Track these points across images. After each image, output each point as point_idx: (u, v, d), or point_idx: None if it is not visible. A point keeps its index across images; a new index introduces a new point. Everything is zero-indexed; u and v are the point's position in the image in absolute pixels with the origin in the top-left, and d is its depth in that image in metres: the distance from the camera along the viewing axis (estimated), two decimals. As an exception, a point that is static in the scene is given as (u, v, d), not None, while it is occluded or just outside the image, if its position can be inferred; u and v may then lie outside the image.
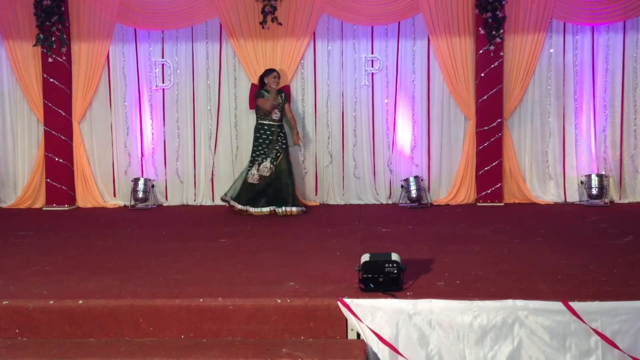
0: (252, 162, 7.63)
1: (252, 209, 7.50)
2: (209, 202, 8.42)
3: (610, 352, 3.96)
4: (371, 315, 4.05)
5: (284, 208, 7.49)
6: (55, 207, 8.26)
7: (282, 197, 7.55)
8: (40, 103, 8.29)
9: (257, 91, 7.74)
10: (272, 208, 7.50)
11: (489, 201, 8.04)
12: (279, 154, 7.60)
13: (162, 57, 8.39)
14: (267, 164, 7.52)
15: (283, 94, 7.76)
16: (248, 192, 7.57)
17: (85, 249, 5.85)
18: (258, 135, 7.64)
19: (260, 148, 7.61)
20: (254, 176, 7.53)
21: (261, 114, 7.65)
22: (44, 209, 8.30)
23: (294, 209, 7.50)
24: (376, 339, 4.02)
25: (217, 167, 8.43)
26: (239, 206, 7.55)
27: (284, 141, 7.69)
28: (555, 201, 8.16)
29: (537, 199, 8.13)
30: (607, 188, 7.97)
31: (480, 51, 7.95)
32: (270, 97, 7.59)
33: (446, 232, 6.46)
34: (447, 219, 7.26)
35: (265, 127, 7.61)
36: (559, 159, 8.24)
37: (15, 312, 4.15)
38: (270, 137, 7.60)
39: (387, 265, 4.26)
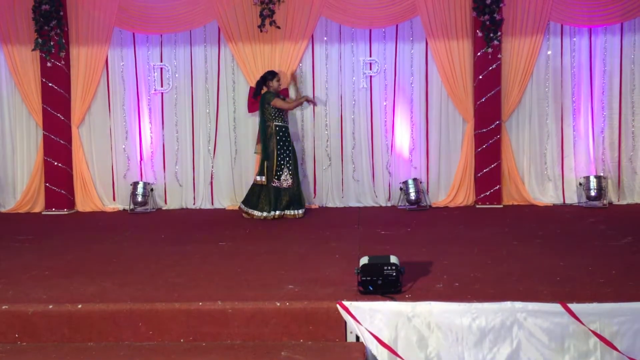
0: (280, 166, 7.47)
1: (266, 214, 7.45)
2: (208, 206, 8.43)
3: (609, 353, 3.96)
4: (370, 318, 4.05)
5: (297, 211, 7.53)
6: (54, 211, 8.27)
7: (295, 201, 7.56)
8: (39, 107, 8.30)
9: (268, 94, 7.56)
10: (284, 212, 7.48)
11: (488, 203, 8.05)
12: (292, 162, 7.57)
13: (161, 61, 8.40)
14: (287, 176, 7.48)
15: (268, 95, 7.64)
16: (273, 196, 7.48)
17: (84, 253, 5.85)
18: (279, 138, 7.50)
19: (284, 150, 7.52)
20: (287, 181, 7.46)
21: (275, 115, 7.52)
22: (43, 213, 8.30)
23: (301, 211, 7.57)
24: (375, 341, 4.02)
25: (216, 170, 8.43)
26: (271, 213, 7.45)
27: (292, 143, 7.68)
28: (553, 203, 8.16)
29: (535, 200, 8.14)
30: (605, 189, 7.98)
31: (478, 54, 7.97)
32: (281, 97, 7.62)
33: (445, 234, 6.47)
34: (446, 221, 7.27)
35: (283, 129, 7.56)
36: (557, 160, 8.25)
37: (15, 317, 4.16)
38: (288, 139, 7.58)
39: (386, 267, 4.27)
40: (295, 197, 7.57)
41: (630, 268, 4.90)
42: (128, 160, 8.48)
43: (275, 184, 7.47)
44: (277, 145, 7.52)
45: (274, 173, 7.49)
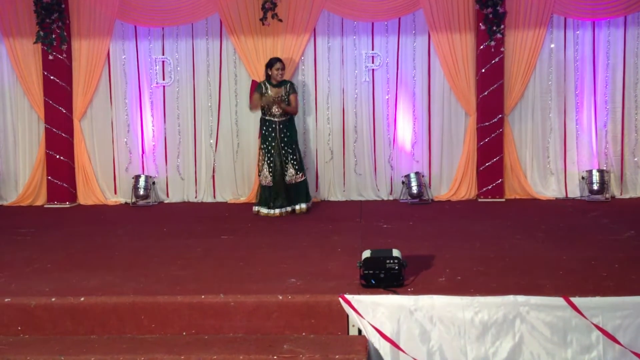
0: (261, 160, 7.33)
1: (268, 210, 7.24)
2: (210, 199, 8.43)
3: (611, 347, 3.96)
4: (372, 312, 4.05)
5: (299, 206, 7.33)
6: (56, 204, 8.27)
7: (295, 196, 7.34)
8: (40, 100, 8.29)
9: (259, 83, 7.49)
10: (288, 208, 7.29)
11: (490, 197, 8.04)
12: (282, 158, 7.25)
13: (163, 54, 8.39)
14: (265, 172, 7.25)
15: (288, 85, 7.34)
16: (265, 193, 7.30)
17: (86, 246, 5.86)
18: (262, 131, 7.37)
19: (263, 146, 7.33)
20: (266, 179, 7.27)
21: (262, 108, 7.33)
22: (45, 206, 8.31)
23: (304, 205, 7.38)
24: (377, 334, 4.03)
25: (218, 163, 8.43)
26: (261, 209, 7.29)
27: (287, 140, 7.32)
28: (556, 197, 8.15)
29: (538, 194, 8.13)
30: (608, 183, 7.97)
31: (481, 47, 7.94)
32: (268, 93, 7.26)
33: (447, 228, 6.46)
34: (448, 214, 7.27)
35: (267, 123, 7.30)
36: (559, 154, 8.23)
37: (17, 310, 4.16)
38: (272, 134, 7.27)
39: (388, 261, 4.26)
40: (297, 192, 7.37)
41: (632, 262, 4.89)
42: (130, 153, 8.48)
43: (263, 182, 7.31)
44: (261, 138, 7.40)
45: (258, 169, 7.39)
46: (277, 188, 7.27)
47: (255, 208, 7.40)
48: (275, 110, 7.30)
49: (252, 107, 7.51)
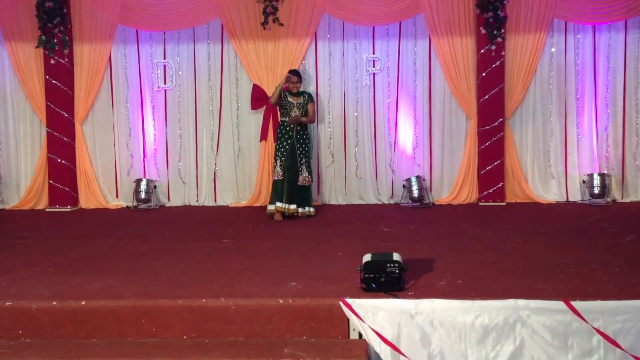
0: (275, 158, 7.44)
1: (284, 205, 7.24)
2: (211, 203, 8.43)
3: (612, 351, 3.96)
4: (373, 315, 4.05)
5: (306, 209, 7.36)
6: (58, 208, 8.28)
7: (303, 199, 7.39)
8: (42, 104, 8.31)
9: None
10: (294, 207, 7.28)
11: (491, 201, 8.04)
12: (297, 159, 7.33)
13: (164, 58, 8.41)
14: (277, 169, 7.34)
15: (306, 95, 7.53)
16: (278, 188, 7.34)
17: (87, 250, 5.87)
18: (278, 133, 7.47)
19: (278, 145, 7.41)
20: (278, 174, 7.36)
21: (281, 111, 7.50)
22: (46, 210, 8.32)
23: (311, 209, 7.43)
24: (378, 338, 4.03)
25: (219, 167, 8.44)
26: (277, 204, 7.30)
27: (302, 142, 7.40)
28: (557, 200, 8.15)
29: (539, 198, 8.12)
30: (609, 187, 7.97)
31: (482, 51, 7.95)
32: (287, 99, 7.40)
33: (448, 231, 6.47)
34: (449, 218, 7.27)
35: (284, 124, 7.43)
36: (560, 158, 8.23)
37: (18, 313, 4.17)
38: (288, 133, 7.37)
39: (388, 265, 4.27)
40: (305, 195, 7.43)
41: (633, 266, 4.89)
42: (131, 157, 8.49)
43: (275, 177, 7.41)
44: (277, 141, 7.48)
45: (273, 166, 7.51)
46: (290, 186, 7.28)
47: (270, 207, 7.34)
48: (293, 112, 7.41)
49: (272, 102, 7.58)
